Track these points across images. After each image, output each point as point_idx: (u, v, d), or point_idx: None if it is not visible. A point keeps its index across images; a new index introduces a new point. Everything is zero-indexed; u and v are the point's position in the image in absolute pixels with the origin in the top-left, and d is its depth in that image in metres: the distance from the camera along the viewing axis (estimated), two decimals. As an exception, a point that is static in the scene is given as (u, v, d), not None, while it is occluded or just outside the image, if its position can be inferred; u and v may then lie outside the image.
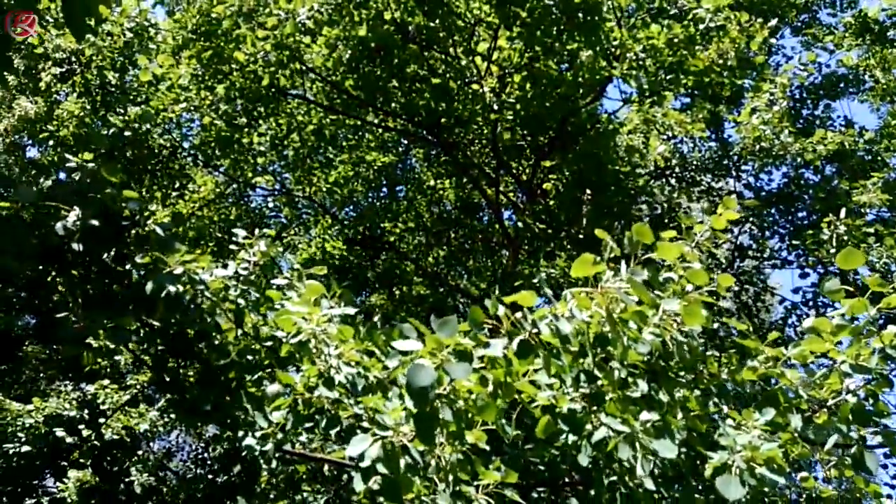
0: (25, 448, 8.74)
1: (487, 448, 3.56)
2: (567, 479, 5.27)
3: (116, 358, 12.18)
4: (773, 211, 12.04)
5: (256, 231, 4.92)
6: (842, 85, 12.82)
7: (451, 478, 3.64)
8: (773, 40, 10.25)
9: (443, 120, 9.90)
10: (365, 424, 3.63)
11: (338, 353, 3.96)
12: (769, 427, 3.43)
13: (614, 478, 3.82)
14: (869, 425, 3.32)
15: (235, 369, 4.80)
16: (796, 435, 3.58)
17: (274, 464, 4.39)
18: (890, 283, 3.55)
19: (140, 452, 11.86)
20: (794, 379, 3.65)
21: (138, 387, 10.47)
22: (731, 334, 9.44)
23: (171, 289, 4.03)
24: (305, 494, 5.52)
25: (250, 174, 11.63)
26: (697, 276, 3.88)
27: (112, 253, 4.17)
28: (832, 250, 8.87)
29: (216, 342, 4.73)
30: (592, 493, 5.48)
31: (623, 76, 7.52)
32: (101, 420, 5.34)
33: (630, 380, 3.58)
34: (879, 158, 10.87)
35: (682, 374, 4.23)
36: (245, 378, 4.90)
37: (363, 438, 3.05)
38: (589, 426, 3.46)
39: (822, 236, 8.71)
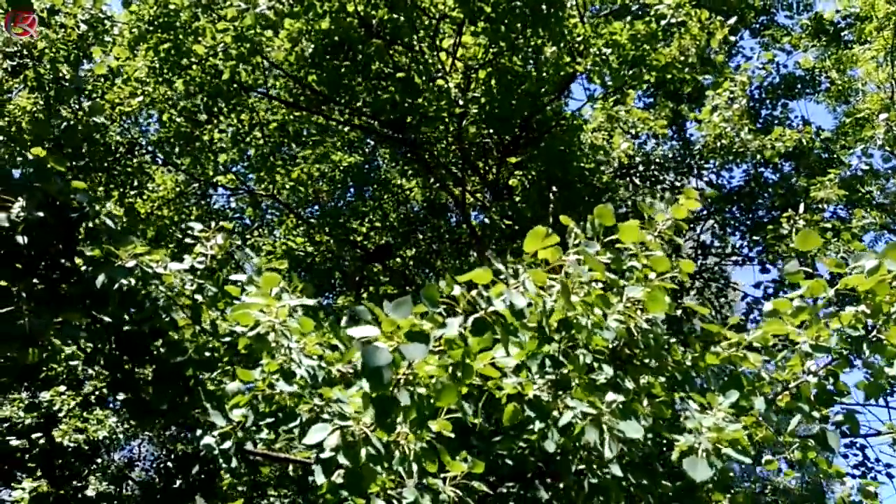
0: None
1: (453, 436, 3.49)
2: (536, 472, 5.21)
3: (73, 363, 11.85)
4: (733, 209, 12.27)
5: (213, 224, 4.78)
6: (799, 86, 13.12)
7: (415, 468, 3.56)
8: (732, 38, 10.42)
9: (408, 118, 9.83)
10: (325, 416, 3.53)
11: (299, 347, 3.86)
12: (733, 410, 3.43)
13: (582, 466, 3.79)
14: (830, 405, 3.35)
15: (193, 367, 4.64)
16: (760, 418, 3.59)
17: (234, 463, 4.25)
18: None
19: (99, 461, 11.50)
20: (757, 362, 3.67)
21: (94, 391, 10.15)
22: (693, 326, 9.59)
23: (124, 282, 3.88)
24: (272, 498, 5.38)
25: (211, 172, 11.38)
26: (659, 263, 3.88)
27: (60, 246, 4.00)
28: (792, 244, 9.05)
29: (172, 339, 4.57)
30: (562, 484, 5.45)
31: (587, 72, 7.54)
32: (54, 425, 5.08)
33: (595, 365, 3.56)
34: (836, 156, 11.14)
35: (647, 360, 4.24)
36: (203, 376, 4.75)
37: (322, 428, 2.95)
38: (556, 412, 3.42)
39: (782, 231, 8.88)
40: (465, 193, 11.17)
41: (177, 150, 9.88)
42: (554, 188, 10.30)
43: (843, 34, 11.23)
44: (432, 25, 8.38)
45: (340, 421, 3.04)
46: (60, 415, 8.00)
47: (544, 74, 7.66)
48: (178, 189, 12.07)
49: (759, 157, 9.94)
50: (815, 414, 3.28)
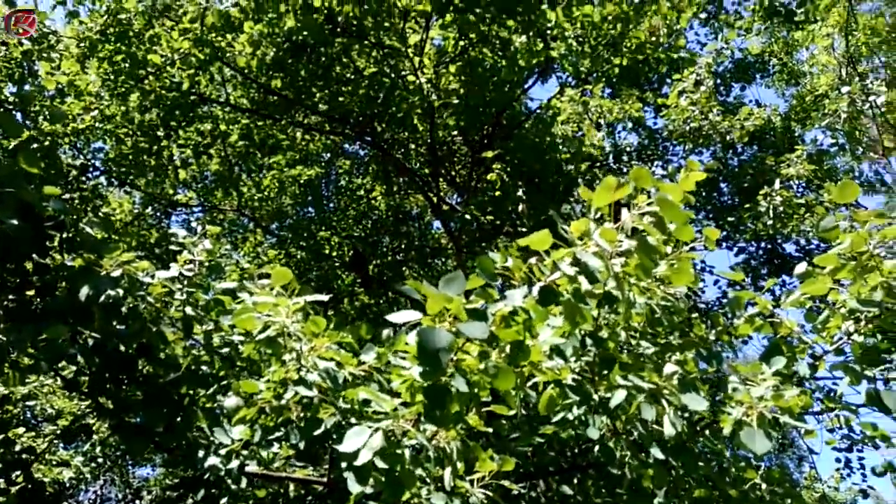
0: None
1: (490, 430, 3.26)
2: (557, 466, 5.01)
3: (29, 403, 11.13)
4: (700, 193, 12.37)
5: (200, 228, 4.45)
6: (750, 71, 13.39)
7: (449, 470, 3.31)
8: (683, 26, 10.53)
9: (376, 123, 9.60)
10: (353, 420, 3.24)
11: (310, 348, 3.56)
12: (778, 377, 3.29)
13: (624, 452, 3.59)
14: (878, 365, 3.23)
15: (187, 384, 4.28)
16: (804, 385, 3.47)
17: (244, 483, 3.91)
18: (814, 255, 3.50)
19: None
20: (793, 326, 3.54)
21: (59, 430, 9.53)
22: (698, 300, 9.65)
23: (111, 293, 3.52)
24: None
25: (171, 191, 10.89)
26: (684, 232, 3.72)
27: (35, 258, 3.62)
28: (769, 222, 9.15)
29: (163, 355, 4.20)
30: (578, 478, 5.25)
31: (560, 58, 7.45)
32: (30, 458, 4.62)
33: (633, 342, 3.38)
34: (798, 135, 11.37)
35: (670, 338, 4.08)
36: (198, 393, 4.39)
37: (360, 430, 2.67)
38: (595, 396, 3.22)
39: (760, 209, 8.96)
40: (439, 197, 10.98)
41: (133, 170, 9.39)
42: (520, 183, 10.21)
43: (795, 14, 11.48)
44: (400, 21, 8.19)
45: (373, 423, 2.77)
46: (25, 456, 7.41)
47: (519, 62, 7.53)
48: (135, 211, 11.53)
49: (727, 139, 10.04)
50: (868, 373, 3.16)
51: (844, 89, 9.56)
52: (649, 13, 7.91)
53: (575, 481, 4.74)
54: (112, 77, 7.74)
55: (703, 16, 13.62)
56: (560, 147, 9.66)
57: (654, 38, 7.47)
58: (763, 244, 10.76)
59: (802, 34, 11.16)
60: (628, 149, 10.98)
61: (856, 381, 3.24)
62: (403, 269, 13.73)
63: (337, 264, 11.34)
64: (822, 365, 3.58)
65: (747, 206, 9.19)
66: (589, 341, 3.14)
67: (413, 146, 11.15)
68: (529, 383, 3.36)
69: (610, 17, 7.73)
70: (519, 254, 2.90)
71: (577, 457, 4.69)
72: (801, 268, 3.51)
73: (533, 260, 2.46)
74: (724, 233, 11.89)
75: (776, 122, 10.44)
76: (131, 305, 3.83)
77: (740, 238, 10.77)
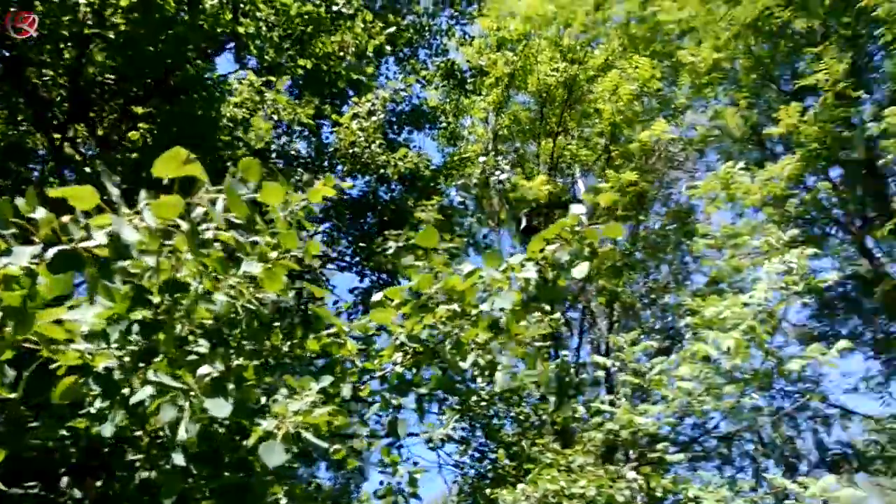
0: None
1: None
2: (76, 466, 4.43)
3: None
4: (347, 216, 12.93)
5: None
6: (422, 120, 14.67)
7: None
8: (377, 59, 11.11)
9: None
10: None
11: None
12: (322, 395, 3.44)
13: (140, 456, 3.34)
14: (406, 394, 3.61)
15: None
16: (343, 405, 3.68)
17: None
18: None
19: None
20: (354, 350, 3.78)
21: None
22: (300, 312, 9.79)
23: None
24: None
25: None
26: (288, 239, 3.69)
27: None
28: (392, 257, 9.94)
29: None
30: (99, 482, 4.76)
31: (247, 37, 7.09)
32: None
33: (191, 338, 3.19)
34: (440, 188, 12.72)
35: (244, 342, 4.02)
36: None
37: None
38: (126, 390, 2.93)
39: (389, 243, 9.68)
40: (71, 140, 9.48)
41: None
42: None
43: (467, 83, 12.93)
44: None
45: None
46: None
47: (201, 24, 6.93)
48: None
49: (381, 171, 10.72)
50: (394, 402, 3.49)
51: (481, 159, 11.03)
52: (343, 27, 8.07)
53: (99, 483, 4.26)
54: None
55: (390, 49, 14.55)
56: (223, 129, 9.20)
57: (342, 53, 7.63)
58: (384, 275, 11.68)
59: (469, 102, 12.61)
60: (294, 152, 10.99)
61: (385, 407, 3.56)
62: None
63: None
64: (367, 389, 3.88)
65: (380, 238, 9.90)
66: (136, 328, 2.86)
67: (53, 73, 9.49)
68: (53, 366, 2.92)
69: (306, 16, 7.68)
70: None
71: (104, 456, 4.24)
72: (376, 297, 3.77)
73: (66, 218, 2.12)
74: (357, 258, 12.60)
75: (425, 171, 11.51)
76: None
77: (367, 266, 11.51)
